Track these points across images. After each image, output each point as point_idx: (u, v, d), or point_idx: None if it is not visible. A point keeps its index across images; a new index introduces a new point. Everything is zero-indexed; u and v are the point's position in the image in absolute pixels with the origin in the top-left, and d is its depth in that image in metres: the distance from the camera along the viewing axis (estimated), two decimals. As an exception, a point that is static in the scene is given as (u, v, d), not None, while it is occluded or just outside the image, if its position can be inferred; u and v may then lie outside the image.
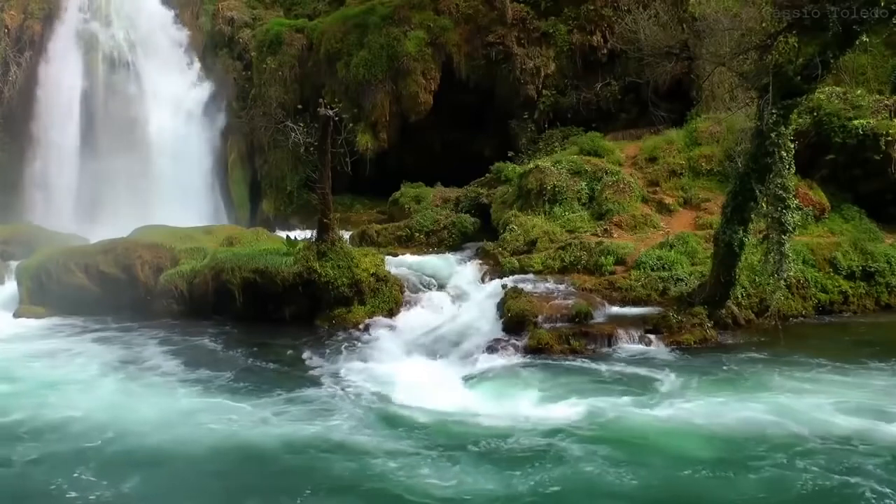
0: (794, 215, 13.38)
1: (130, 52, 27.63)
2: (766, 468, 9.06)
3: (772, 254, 13.53)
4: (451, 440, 9.99)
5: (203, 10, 29.07)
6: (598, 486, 8.76)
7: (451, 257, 18.93)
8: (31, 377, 12.82)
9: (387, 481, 8.92)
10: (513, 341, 13.95)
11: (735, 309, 14.92)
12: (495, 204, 20.82)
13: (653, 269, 16.22)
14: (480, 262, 17.96)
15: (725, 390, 11.58)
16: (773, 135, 13.06)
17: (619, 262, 16.70)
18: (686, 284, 15.55)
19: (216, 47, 28.68)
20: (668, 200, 19.20)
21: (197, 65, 28.55)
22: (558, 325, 14.40)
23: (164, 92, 27.39)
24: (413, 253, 19.64)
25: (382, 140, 25.54)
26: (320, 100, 18.20)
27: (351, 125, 23.82)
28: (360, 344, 14.41)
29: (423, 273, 17.62)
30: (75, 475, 9.07)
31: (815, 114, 18.52)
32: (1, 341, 15.22)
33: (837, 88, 19.41)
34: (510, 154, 24.17)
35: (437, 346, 13.99)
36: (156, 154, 26.92)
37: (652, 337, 14.13)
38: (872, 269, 16.50)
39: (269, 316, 16.15)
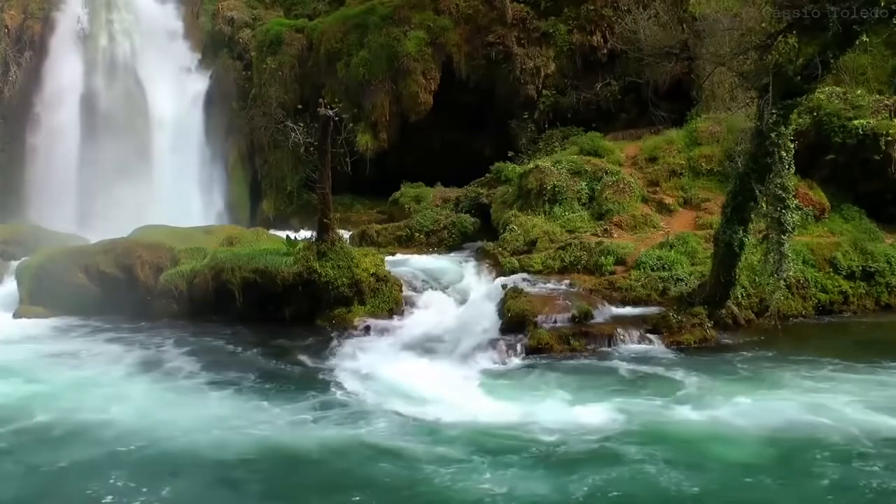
0: (793, 215, 13.39)
1: (130, 52, 27.65)
2: (825, 470, 8.91)
3: (771, 254, 13.54)
4: (486, 444, 9.78)
5: (203, 10, 29.08)
6: (660, 492, 8.51)
7: (451, 257, 18.93)
8: (55, 379, 12.71)
9: (434, 486, 8.73)
10: (513, 341, 13.94)
11: (735, 309, 14.93)
12: (495, 204, 20.82)
13: (653, 269, 16.22)
14: (480, 262, 17.96)
15: (747, 390, 11.54)
16: (773, 135, 13.06)
17: (619, 262, 16.70)
18: (686, 284, 15.55)
19: (216, 47, 28.69)
20: (668, 200, 19.20)
21: (197, 65, 28.56)
22: (558, 325, 14.40)
23: (164, 92, 27.40)
24: (413, 253, 19.65)
25: (382, 140, 25.54)
26: (320, 100, 18.17)
27: (351, 125, 23.82)
28: (361, 344, 14.36)
29: (423, 273, 17.62)
30: (111, 481, 8.89)
31: (815, 114, 18.52)
32: (13, 342, 15.18)
33: (837, 88, 19.41)
34: (510, 154, 24.18)
35: (437, 347, 13.97)
36: (156, 154, 26.94)
37: (652, 337, 14.13)
38: (872, 269, 16.50)
39: (269, 316, 16.13)
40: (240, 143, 27.85)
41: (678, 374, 12.36)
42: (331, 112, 15.82)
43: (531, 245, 17.91)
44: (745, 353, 13.48)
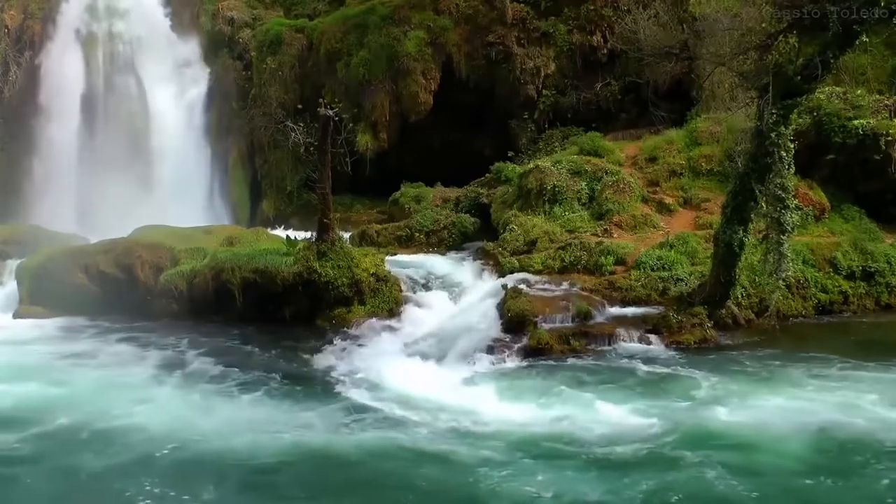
0: (793, 215, 13.40)
1: (130, 52, 27.63)
2: (881, 471, 8.86)
3: (771, 254, 13.55)
4: (521, 447, 9.69)
5: (203, 10, 29.06)
6: (722, 498, 8.38)
7: (451, 257, 18.93)
8: (76, 380, 12.69)
9: (478, 489, 8.65)
10: (513, 342, 13.96)
11: (735, 309, 14.93)
12: (495, 204, 20.82)
13: (653, 269, 16.22)
14: (480, 262, 17.96)
15: (768, 390, 11.57)
16: (773, 135, 13.07)
17: (619, 262, 16.70)
18: (686, 284, 15.55)
19: (216, 47, 28.67)
20: (668, 200, 19.20)
21: (197, 65, 28.54)
22: (558, 325, 14.42)
23: (164, 91, 27.40)
24: (413, 253, 19.64)
25: (382, 140, 25.53)
26: (320, 100, 18.13)
27: (351, 125, 23.81)
28: (363, 345, 14.38)
29: (423, 273, 17.62)
30: (147, 487, 8.83)
31: (815, 114, 18.51)
32: (25, 342, 15.17)
33: (837, 88, 19.39)
34: (510, 154, 24.16)
35: (437, 347, 13.97)
36: (156, 154, 26.93)
37: (652, 337, 14.14)
38: (872, 269, 16.50)
39: (269, 316, 16.13)
40: (240, 143, 27.83)
41: (691, 374, 12.35)
42: (331, 112, 15.81)
43: (531, 245, 17.91)
44: (748, 352, 13.49)
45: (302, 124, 21.79)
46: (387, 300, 16.09)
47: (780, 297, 14.74)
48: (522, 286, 15.66)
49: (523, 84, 25.10)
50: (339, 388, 12.29)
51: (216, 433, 10.29)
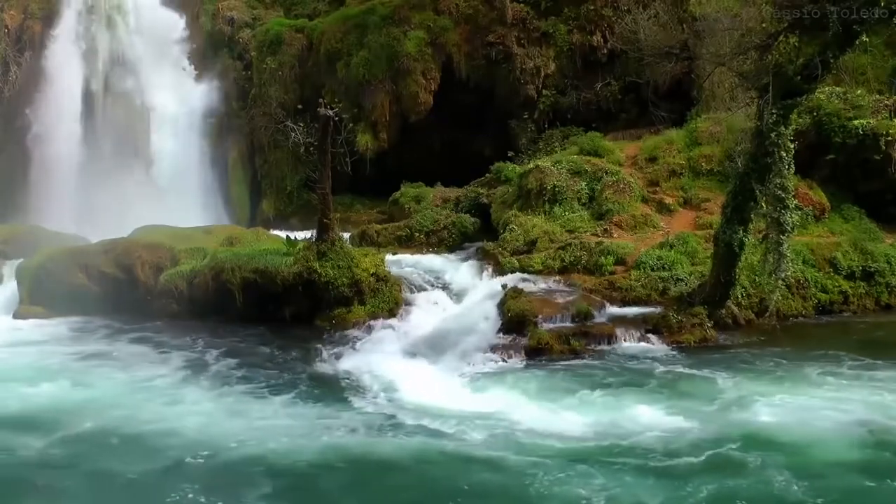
0: (793, 215, 13.40)
1: (130, 52, 27.61)
2: None
3: (770, 253, 13.55)
4: (562, 451, 9.54)
5: (203, 10, 29.06)
6: (791, 501, 8.23)
7: (450, 257, 18.93)
8: (101, 383, 12.60)
9: (529, 493, 8.50)
10: (513, 342, 13.95)
11: (735, 309, 14.94)
12: (495, 204, 20.82)
13: (653, 269, 16.22)
14: (480, 262, 17.95)
15: (791, 389, 11.56)
16: (773, 135, 13.07)
17: (619, 262, 16.70)
18: (686, 284, 15.55)
19: (216, 47, 28.67)
20: (668, 200, 19.19)
21: (197, 65, 28.53)
22: (558, 325, 14.41)
23: (164, 92, 27.37)
24: (413, 253, 19.64)
25: (382, 140, 25.53)
26: (320, 100, 18.17)
27: (351, 125, 23.82)
28: (363, 345, 14.37)
29: (423, 273, 17.62)
30: (190, 495, 8.64)
31: (815, 114, 18.52)
32: (38, 343, 15.12)
33: (837, 88, 19.39)
34: (510, 154, 24.16)
35: (437, 347, 13.96)
36: (156, 154, 26.94)
37: (652, 337, 14.15)
38: (872, 269, 16.50)
39: (269, 316, 16.13)
40: (240, 143, 27.83)
41: (706, 374, 12.34)
42: (331, 112, 15.82)
43: (531, 245, 17.91)
44: (753, 351, 13.51)
45: (302, 124, 21.82)
46: (387, 300, 16.08)
47: (780, 297, 14.75)
48: (522, 286, 15.66)
49: (523, 84, 25.10)
50: (350, 389, 12.19)
51: (250, 436, 10.12)
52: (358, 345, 14.38)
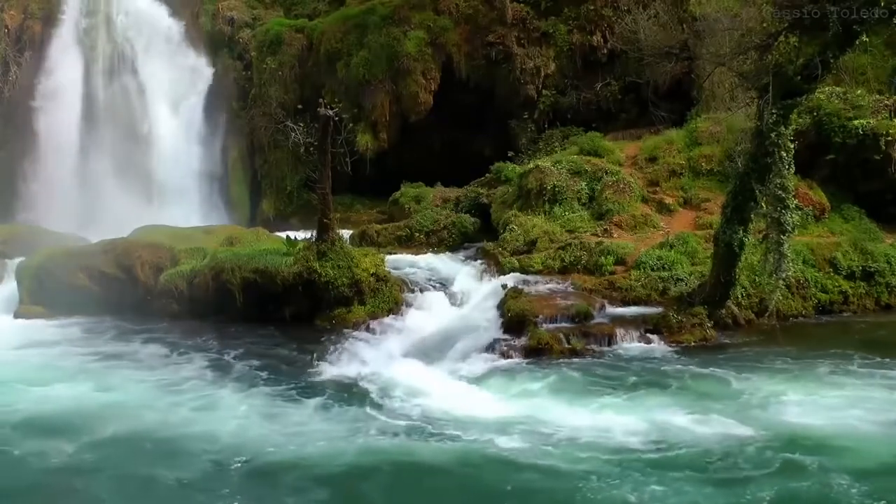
0: (793, 215, 13.39)
1: (130, 52, 27.62)
2: None
3: (771, 253, 13.54)
4: (601, 453, 9.36)
5: (203, 10, 29.05)
6: (846, 502, 8.13)
7: (450, 257, 18.92)
8: (126, 385, 12.45)
9: (579, 499, 8.35)
10: (513, 342, 13.95)
11: (735, 309, 14.93)
12: (495, 204, 20.82)
13: (653, 269, 16.22)
14: (480, 262, 17.95)
15: (812, 388, 11.53)
16: (773, 135, 13.06)
17: (619, 262, 16.70)
18: (686, 284, 15.55)
19: (216, 47, 28.67)
20: (668, 200, 19.19)
21: (197, 65, 28.53)
22: (558, 325, 14.41)
23: (163, 92, 27.37)
24: (413, 253, 19.63)
25: (382, 140, 25.53)
26: (320, 100, 18.15)
27: (351, 125, 23.82)
28: (364, 345, 14.30)
29: (423, 273, 17.62)
30: (234, 503, 8.50)
31: (815, 114, 18.51)
32: (52, 344, 15.02)
33: (837, 88, 19.39)
34: (510, 154, 24.16)
35: (438, 348, 13.97)
36: (156, 154, 26.92)
37: (652, 337, 14.14)
38: (872, 269, 16.50)
39: (269, 316, 16.13)
40: (240, 143, 27.83)
41: (719, 374, 12.28)
42: (331, 112, 15.82)
43: (531, 245, 17.91)
44: (758, 350, 13.49)
45: (302, 124, 21.81)
46: (387, 300, 16.09)
47: (780, 297, 14.73)
48: (522, 286, 15.66)
49: (523, 84, 25.10)
50: (366, 393, 12.04)
51: (286, 440, 9.99)
52: (361, 345, 14.28)
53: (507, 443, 9.88)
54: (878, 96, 19.92)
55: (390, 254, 18.97)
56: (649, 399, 11.27)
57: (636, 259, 16.59)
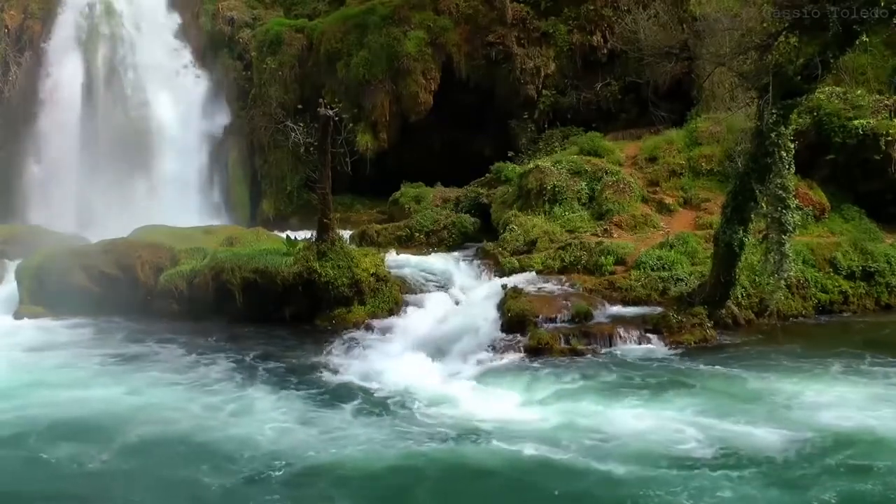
0: (794, 215, 13.37)
1: (130, 52, 27.62)
2: None
3: (772, 254, 13.53)
4: (654, 458, 9.11)
5: (203, 10, 29.04)
6: None
7: (450, 257, 18.92)
8: (145, 387, 12.25)
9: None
10: (513, 341, 13.95)
11: (735, 309, 14.93)
12: (495, 204, 20.82)
13: (653, 269, 16.22)
14: (480, 262, 17.96)
15: (833, 386, 11.46)
16: (773, 135, 13.06)
17: (619, 262, 16.70)
18: (686, 284, 15.55)
19: (216, 47, 28.67)
20: (668, 200, 19.19)
21: (197, 65, 28.54)
22: (558, 325, 14.41)
23: (164, 91, 27.37)
24: (413, 253, 19.63)
25: (382, 140, 25.53)
26: (320, 100, 18.16)
27: (351, 125, 23.82)
28: (365, 345, 14.30)
29: (423, 273, 17.61)
30: None
31: (815, 114, 18.51)
32: (65, 346, 14.88)
33: (837, 88, 19.38)
34: (510, 154, 24.16)
35: (437, 347, 13.94)
36: (156, 154, 26.90)
37: (652, 337, 14.13)
38: (872, 269, 16.49)
39: (268, 316, 16.13)
40: (240, 143, 27.83)
41: (734, 373, 12.20)
42: (331, 112, 15.83)
43: (531, 245, 17.91)
44: (758, 350, 13.45)
45: (302, 124, 21.83)
46: (387, 300, 16.09)
47: (781, 297, 14.73)
48: (522, 286, 15.66)
49: (523, 84, 25.10)
50: (373, 395, 11.90)
51: (326, 445, 9.82)
52: (363, 346, 14.26)
53: (549, 448, 9.60)
54: (878, 96, 19.91)
55: (390, 254, 18.96)
56: (677, 400, 11.10)
57: (636, 259, 16.59)
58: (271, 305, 16.26)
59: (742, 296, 15.23)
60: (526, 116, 25.22)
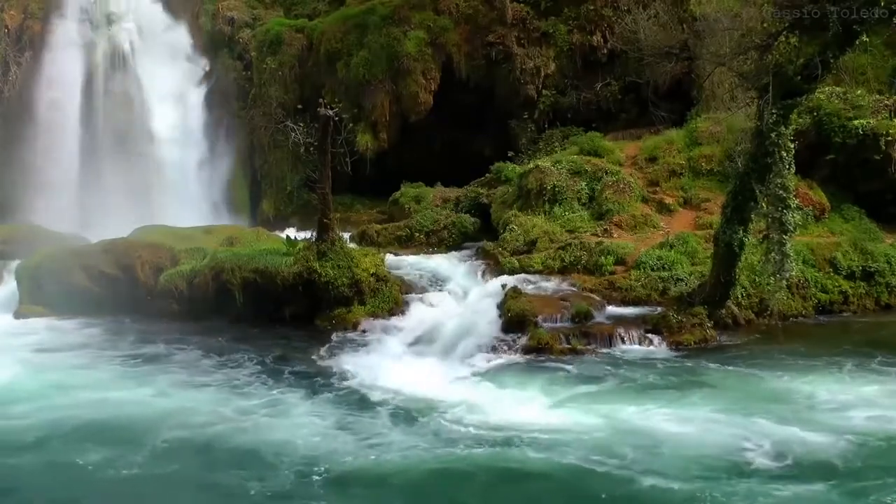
0: (794, 215, 13.37)
1: (130, 52, 27.62)
2: None
3: (773, 254, 13.52)
4: (684, 461, 9.01)
5: (203, 10, 29.05)
6: None
7: (451, 257, 18.92)
8: (173, 389, 12.09)
9: None
10: (513, 341, 13.95)
11: (735, 309, 14.93)
12: (495, 204, 20.82)
13: (653, 269, 16.22)
14: (480, 262, 17.95)
15: (853, 386, 11.44)
16: (773, 135, 13.06)
17: (619, 262, 16.70)
18: (686, 284, 15.55)
19: (216, 47, 28.67)
20: (668, 200, 19.19)
21: (197, 65, 28.54)
22: (558, 324, 14.41)
23: (164, 92, 27.37)
24: (413, 253, 19.64)
25: (382, 140, 25.53)
26: (320, 100, 18.17)
27: (351, 125, 23.81)
28: (367, 345, 14.30)
29: (423, 273, 17.61)
30: None
31: (815, 114, 18.51)
32: (79, 346, 14.77)
33: (837, 88, 19.38)
34: (510, 154, 24.16)
35: (437, 347, 13.97)
36: (156, 154, 26.92)
37: (652, 337, 14.13)
38: (872, 269, 16.50)
39: (268, 316, 16.12)
40: (240, 143, 27.83)
41: (745, 373, 12.20)
42: (331, 112, 15.82)
43: (531, 245, 17.91)
44: (761, 350, 13.45)
45: (302, 124, 21.82)
46: (387, 300, 16.09)
47: (782, 298, 14.72)
48: (522, 286, 15.66)
49: (523, 84, 25.09)
50: (390, 397, 11.76)
51: (351, 451, 9.67)
52: (365, 346, 14.26)
53: (589, 452, 9.40)
54: (878, 96, 19.91)
55: (390, 254, 18.96)
56: (703, 401, 10.99)
57: (636, 259, 16.59)
58: (271, 305, 16.26)
59: (742, 296, 15.24)
60: (526, 116, 25.21)
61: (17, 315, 17.24)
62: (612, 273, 16.41)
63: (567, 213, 19.04)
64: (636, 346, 13.91)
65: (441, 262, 18.44)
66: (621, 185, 19.25)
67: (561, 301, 15.17)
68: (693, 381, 11.93)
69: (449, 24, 25.62)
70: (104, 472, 9.24)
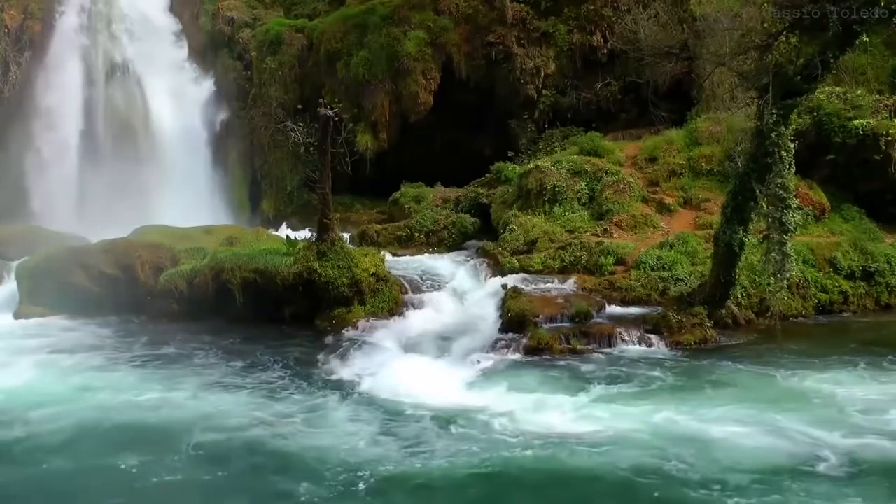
0: (795, 215, 13.36)
1: (131, 52, 27.64)
2: None
3: (773, 254, 13.51)
4: (722, 465, 8.88)
5: (203, 10, 29.07)
6: None
7: (451, 257, 18.92)
8: (203, 392, 11.86)
9: None
10: (513, 341, 13.94)
11: (735, 309, 14.93)
12: (495, 204, 20.82)
13: (653, 269, 16.22)
14: (480, 262, 17.94)
15: (872, 385, 11.37)
16: (773, 135, 13.05)
17: (619, 262, 16.70)
18: (686, 284, 15.55)
19: (216, 47, 28.68)
20: (668, 200, 19.19)
21: (197, 65, 28.55)
22: (558, 325, 14.41)
23: (163, 92, 27.40)
24: (413, 253, 19.64)
25: (382, 140, 25.54)
26: (320, 100, 18.17)
27: (351, 125, 23.81)
28: (367, 346, 14.23)
29: (423, 273, 17.61)
30: None
31: (815, 114, 18.51)
32: (93, 347, 14.58)
33: (837, 88, 19.38)
34: (510, 154, 24.17)
35: (437, 347, 13.95)
36: (156, 154, 26.93)
37: (652, 337, 14.12)
38: (872, 269, 16.50)
39: (268, 316, 16.12)
40: (240, 143, 27.86)
41: (757, 372, 12.13)
42: (331, 112, 15.82)
43: (531, 245, 17.91)
44: (762, 349, 13.42)
45: (302, 124, 21.83)
46: (387, 300, 16.09)
47: (783, 298, 14.72)
48: (522, 286, 15.66)
49: (523, 84, 25.10)
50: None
51: (377, 453, 9.52)
52: (366, 347, 14.17)
53: (631, 454, 9.28)
54: (878, 96, 19.92)
55: (390, 254, 18.96)
56: (725, 403, 10.85)
57: (636, 259, 16.59)
58: (271, 305, 16.26)
59: (742, 296, 15.24)
60: (526, 116, 25.22)
61: (17, 315, 17.22)
62: (612, 273, 16.41)
63: (567, 213, 19.04)
64: (636, 346, 13.90)
65: (441, 262, 18.43)
66: (621, 185, 19.25)
67: (561, 301, 15.17)
68: (714, 382, 11.77)
69: (449, 24, 25.63)
70: (144, 476, 9.03)
